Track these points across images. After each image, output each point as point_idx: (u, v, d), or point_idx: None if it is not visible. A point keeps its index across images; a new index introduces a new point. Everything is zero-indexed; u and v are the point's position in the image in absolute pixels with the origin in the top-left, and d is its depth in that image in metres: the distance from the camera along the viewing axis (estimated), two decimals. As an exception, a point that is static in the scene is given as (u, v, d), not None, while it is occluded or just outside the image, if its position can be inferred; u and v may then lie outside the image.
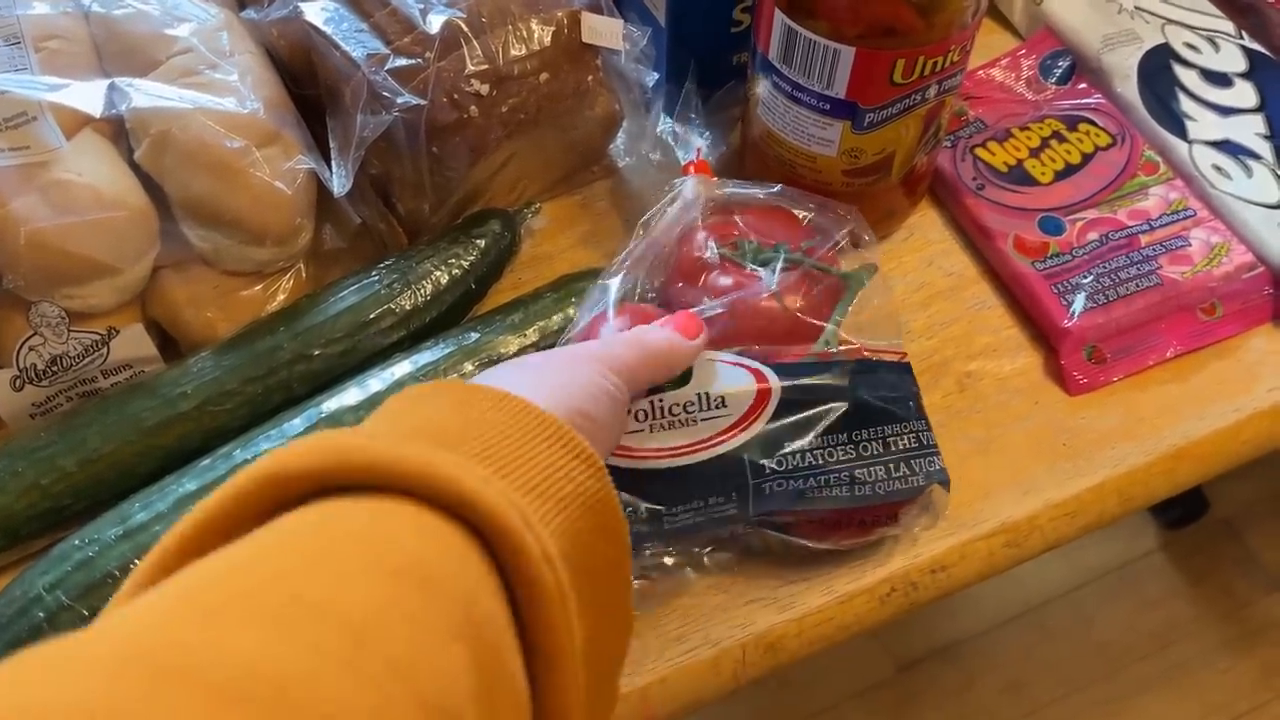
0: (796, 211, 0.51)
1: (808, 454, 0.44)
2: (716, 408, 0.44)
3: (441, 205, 0.55)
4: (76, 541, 0.43)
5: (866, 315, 0.48)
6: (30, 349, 0.48)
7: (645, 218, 0.51)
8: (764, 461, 0.43)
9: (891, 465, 0.44)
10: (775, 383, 0.44)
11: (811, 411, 0.44)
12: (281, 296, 0.53)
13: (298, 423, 0.47)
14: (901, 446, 0.45)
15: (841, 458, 0.44)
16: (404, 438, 0.30)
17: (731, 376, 0.44)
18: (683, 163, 0.55)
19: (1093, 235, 0.57)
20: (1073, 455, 0.53)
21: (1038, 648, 1.25)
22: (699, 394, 0.44)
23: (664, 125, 0.60)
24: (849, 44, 0.48)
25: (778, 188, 0.51)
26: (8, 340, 0.48)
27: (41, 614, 0.41)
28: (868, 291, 0.49)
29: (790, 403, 0.44)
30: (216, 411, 0.48)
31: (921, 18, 0.47)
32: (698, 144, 0.56)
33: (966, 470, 0.52)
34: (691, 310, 0.45)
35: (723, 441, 0.43)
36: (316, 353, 0.50)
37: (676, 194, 0.51)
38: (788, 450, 0.44)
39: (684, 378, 0.44)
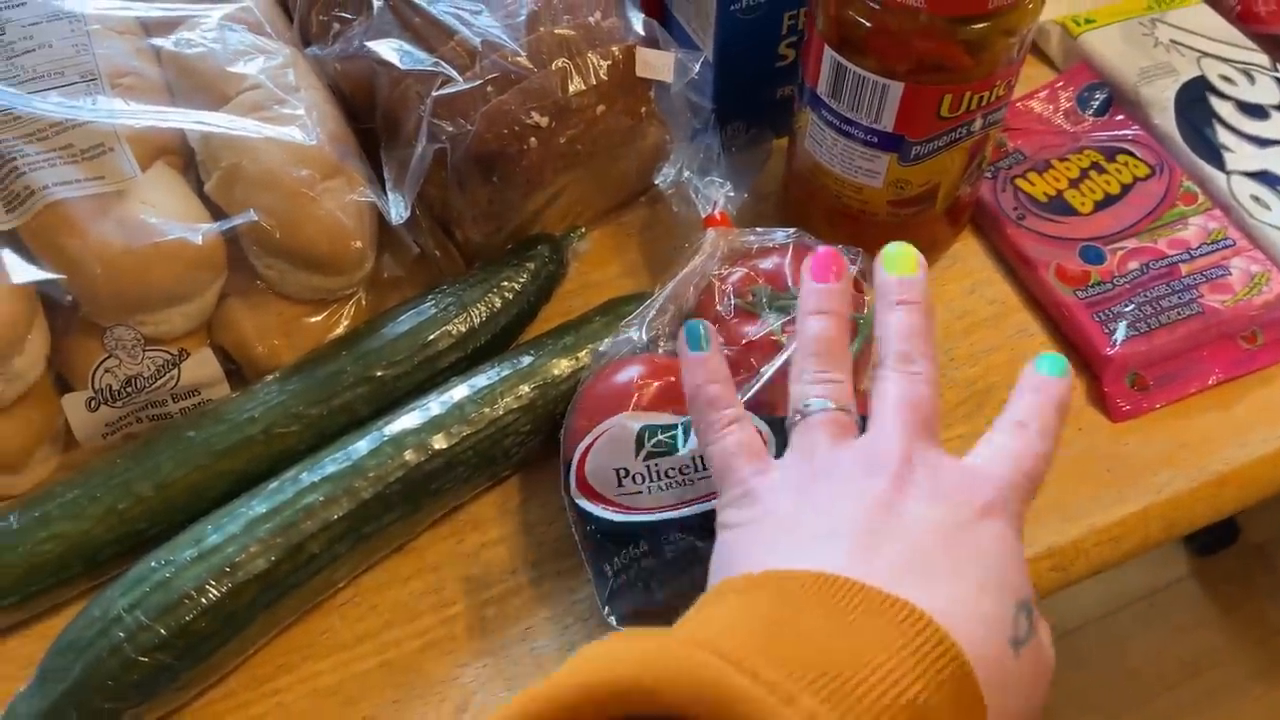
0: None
1: None
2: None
3: (498, 232, 0.56)
4: (153, 563, 0.44)
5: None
6: (106, 371, 0.50)
7: (670, 272, 0.52)
8: None
9: None
10: (772, 440, 0.43)
11: None
12: (344, 324, 0.55)
13: (362, 445, 0.48)
14: None
15: None
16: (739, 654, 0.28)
17: None
18: (703, 215, 0.55)
19: (1133, 264, 0.58)
20: (1116, 481, 0.53)
21: (1068, 674, 1.24)
22: (694, 458, 0.44)
23: (687, 175, 0.59)
24: (898, 80, 0.49)
25: (793, 231, 0.52)
26: (83, 364, 0.50)
27: (121, 634, 0.42)
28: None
29: None
30: (283, 434, 0.49)
31: (969, 55, 0.49)
32: (716, 197, 0.56)
33: (1012, 495, 0.53)
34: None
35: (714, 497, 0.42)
36: (378, 374, 0.52)
37: (697, 247, 0.52)
38: None
39: (678, 443, 0.44)
